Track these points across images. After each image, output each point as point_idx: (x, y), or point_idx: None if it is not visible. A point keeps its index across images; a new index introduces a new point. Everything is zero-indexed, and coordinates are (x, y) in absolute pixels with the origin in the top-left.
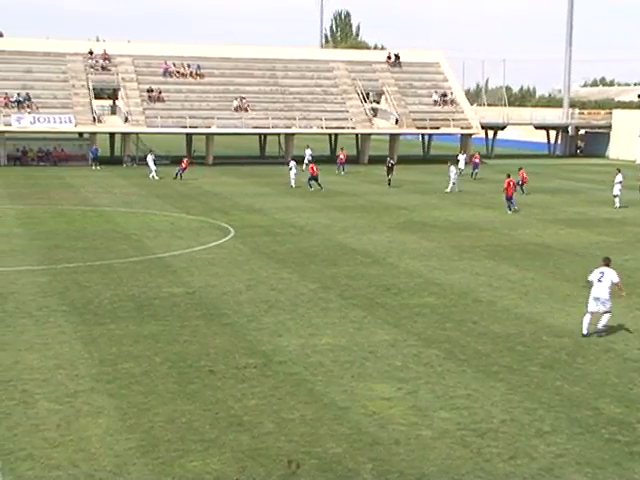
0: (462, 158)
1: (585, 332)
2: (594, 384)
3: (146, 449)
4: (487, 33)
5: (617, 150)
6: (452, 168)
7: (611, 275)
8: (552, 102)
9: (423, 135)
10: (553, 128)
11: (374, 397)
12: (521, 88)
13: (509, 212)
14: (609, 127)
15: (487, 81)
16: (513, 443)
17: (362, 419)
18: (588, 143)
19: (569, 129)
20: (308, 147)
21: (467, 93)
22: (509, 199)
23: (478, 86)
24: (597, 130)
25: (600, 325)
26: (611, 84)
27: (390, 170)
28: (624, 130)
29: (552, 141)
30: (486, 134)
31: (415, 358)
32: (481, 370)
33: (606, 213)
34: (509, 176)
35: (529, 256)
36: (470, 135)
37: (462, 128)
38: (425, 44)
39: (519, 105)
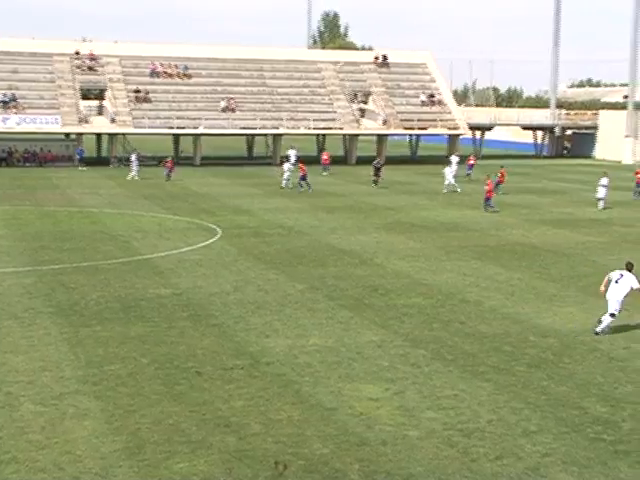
0: (454, 159)
1: (596, 331)
2: (580, 384)
3: (132, 451)
4: (475, 34)
5: (603, 151)
6: (447, 169)
7: (631, 280)
8: (539, 103)
9: (411, 136)
10: (540, 129)
11: (361, 398)
12: (509, 89)
13: (486, 212)
14: (596, 128)
15: (475, 82)
16: (500, 443)
17: (349, 420)
18: (575, 144)
19: (556, 130)
20: (292, 147)
21: (455, 94)
22: (487, 200)
23: (466, 87)
24: (584, 131)
25: (598, 329)
26: (597, 85)
27: (377, 171)
28: (610, 131)
29: (539, 142)
30: (474, 135)
31: (402, 358)
32: (468, 370)
33: (592, 213)
34: (489, 177)
35: (516, 256)
36: (457, 136)
37: (450, 129)
38: (413, 45)
39: (507, 106)
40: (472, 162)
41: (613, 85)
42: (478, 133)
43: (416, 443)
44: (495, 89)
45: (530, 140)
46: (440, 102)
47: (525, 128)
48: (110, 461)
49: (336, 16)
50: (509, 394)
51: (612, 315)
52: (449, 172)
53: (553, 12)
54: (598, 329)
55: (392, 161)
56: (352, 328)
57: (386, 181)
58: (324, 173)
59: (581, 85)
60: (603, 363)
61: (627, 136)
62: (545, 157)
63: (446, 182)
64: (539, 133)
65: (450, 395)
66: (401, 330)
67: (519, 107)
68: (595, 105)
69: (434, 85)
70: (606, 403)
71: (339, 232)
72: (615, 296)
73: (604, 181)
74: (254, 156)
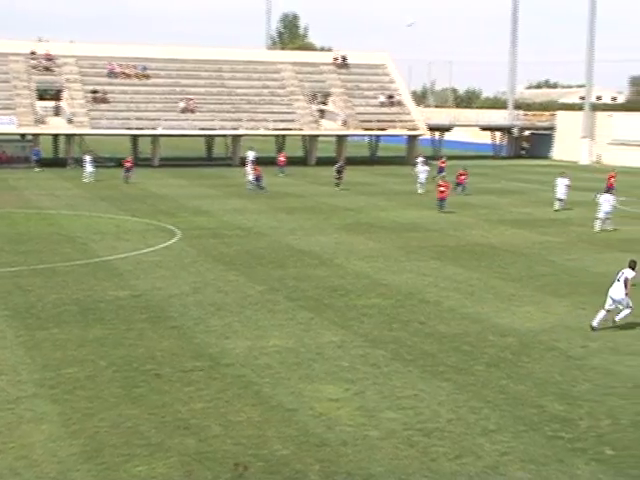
0: (420, 161)
1: (594, 324)
2: (538, 382)
3: (90, 455)
4: (434, 35)
5: (561, 151)
6: (419, 168)
7: (626, 273)
8: (497, 104)
9: (370, 136)
10: (498, 129)
11: (321, 398)
12: (467, 90)
13: (442, 213)
14: (553, 129)
15: (434, 83)
16: (459, 442)
17: (309, 420)
18: (533, 144)
19: (514, 130)
20: (251, 149)
21: (414, 95)
22: (442, 200)
23: (425, 88)
24: (541, 131)
25: (617, 318)
26: (555, 86)
27: (339, 172)
28: (567, 131)
29: (498, 142)
30: (433, 135)
31: (362, 359)
32: (427, 370)
33: (550, 214)
34: (443, 177)
35: (475, 256)
36: (417, 136)
37: (409, 129)
38: (373, 46)
39: (465, 106)
40: (443, 165)
41: (570, 86)
42: (437, 134)
43: (376, 443)
44: (453, 90)
45: (489, 141)
46: (399, 103)
47: (484, 129)
48: (67, 465)
49: (295, 17)
50: (468, 393)
51: (629, 308)
52: (422, 172)
53: (510, 13)
54: (617, 318)
55: (352, 162)
56: (312, 329)
57: (346, 182)
58: (280, 174)
59: (539, 86)
60: (561, 362)
61: (583, 137)
62: (503, 158)
63: (418, 183)
64: (497, 134)
65: (410, 395)
66: (361, 330)
67: (478, 108)
68: (552, 106)
69: (393, 86)
70: (564, 401)
71: (299, 233)
72: (618, 294)
73: (563, 181)
74: (214, 157)
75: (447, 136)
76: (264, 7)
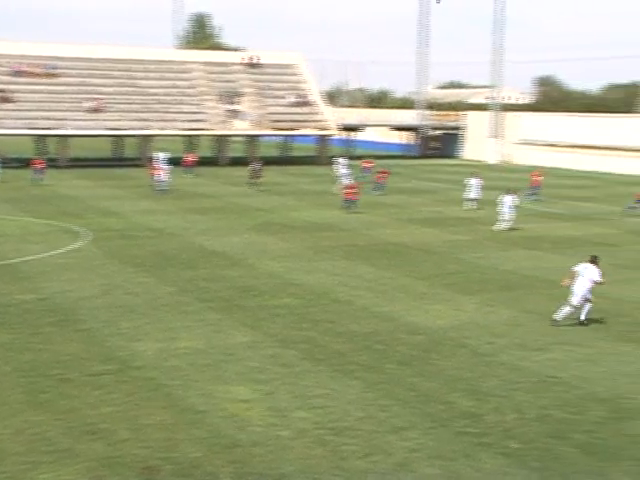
0: (342, 161)
1: (557, 318)
2: (448, 379)
3: None
4: (347, 36)
5: (470, 151)
6: (340, 169)
7: (593, 273)
8: (408, 104)
9: (282, 136)
10: (409, 129)
11: (232, 399)
12: (379, 90)
13: (350, 213)
14: (461, 128)
15: (346, 83)
16: (369, 440)
17: (221, 422)
18: (443, 144)
19: (423, 130)
20: (162, 150)
21: (326, 95)
22: (351, 201)
23: (337, 88)
24: (451, 131)
25: (582, 317)
26: (463, 86)
27: (255, 173)
28: (476, 131)
29: (408, 142)
30: (345, 135)
31: (273, 359)
32: (338, 369)
33: (460, 212)
34: (356, 179)
35: (386, 255)
36: (328, 136)
37: (320, 129)
38: (286, 46)
39: (377, 106)
40: (368, 165)
41: (478, 87)
42: (349, 134)
43: (287, 443)
44: (364, 90)
45: (400, 140)
46: (311, 103)
47: (394, 129)
48: None
49: (206, 16)
50: (379, 391)
51: (573, 306)
52: (345, 173)
53: (418, 14)
54: (582, 316)
55: (264, 162)
56: (223, 330)
57: (257, 182)
58: (189, 175)
59: (447, 87)
60: (470, 358)
61: (491, 137)
62: (414, 157)
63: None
64: (408, 133)
65: (321, 394)
66: (272, 331)
67: (389, 108)
68: (461, 106)
69: (305, 86)
70: (472, 397)
71: (210, 234)
72: (581, 290)
73: (475, 181)
74: (123, 157)
75: (359, 136)
76: (176, 6)
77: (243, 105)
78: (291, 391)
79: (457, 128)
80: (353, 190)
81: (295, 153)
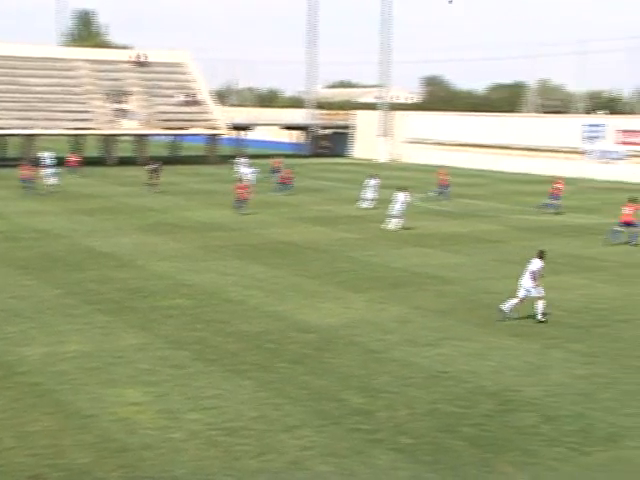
0: (243, 161)
1: (503, 308)
2: (340, 377)
3: None
4: (237, 34)
5: (361, 149)
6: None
7: (534, 265)
8: (298, 103)
9: (172, 136)
10: (299, 128)
11: (122, 403)
12: (269, 89)
13: (241, 214)
14: (351, 127)
15: (236, 82)
16: (262, 439)
17: (110, 426)
18: (333, 143)
19: (314, 129)
20: (47, 149)
21: (216, 94)
22: (241, 201)
23: (227, 87)
24: (341, 130)
25: (539, 316)
26: (353, 86)
27: (154, 174)
28: (366, 130)
29: (299, 141)
30: (235, 135)
31: (164, 361)
32: (231, 369)
33: (351, 210)
34: (264, 178)
35: (277, 254)
36: (218, 135)
37: (210, 129)
38: (176, 45)
39: (267, 106)
40: (278, 164)
41: (367, 86)
42: (240, 133)
43: (179, 445)
44: (254, 89)
45: (290, 139)
46: (200, 102)
47: (285, 128)
48: None
49: (90, 14)
50: (271, 391)
51: (540, 298)
52: (248, 173)
53: (307, 14)
54: (538, 313)
55: (162, 162)
56: (112, 332)
57: (146, 182)
58: (73, 176)
59: (337, 86)
60: (361, 355)
61: (380, 135)
62: (304, 156)
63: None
64: (298, 133)
65: (213, 395)
66: (163, 332)
67: (280, 107)
68: (351, 105)
69: (194, 85)
70: (364, 394)
71: (98, 235)
72: (528, 283)
73: (373, 182)
74: (6, 158)
75: (249, 135)
76: (57, 4)
77: (131, 104)
78: (183, 392)
79: (347, 127)
80: (244, 190)
81: (185, 153)
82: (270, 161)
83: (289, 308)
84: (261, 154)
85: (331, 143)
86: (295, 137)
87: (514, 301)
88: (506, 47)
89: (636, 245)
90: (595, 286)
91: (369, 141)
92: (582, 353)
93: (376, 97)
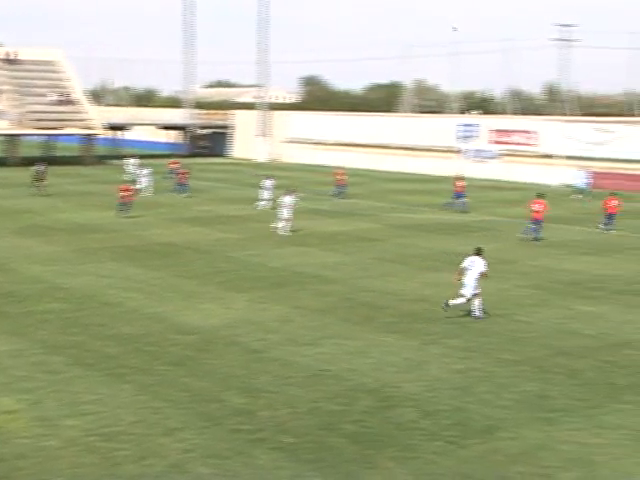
0: (132, 161)
1: (449, 302)
2: (221, 377)
3: None
4: (112, 33)
5: (240, 149)
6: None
7: (479, 265)
8: (176, 103)
9: (45, 136)
10: (177, 128)
11: None
12: (146, 88)
13: (123, 216)
14: (230, 127)
15: (111, 81)
16: (142, 444)
17: None
18: (212, 143)
19: (191, 129)
20: None
21: (91, 93)
22: (125, 203)
23: (102, 86)
24: (220, 130)
25: (475, 310)
26: (231, 85)
27: (40, 175)
28: (245, 130)
29: (177, 141)
30: (111, 135)
31: (40, 367)
32: (109, 373)
33: (231, 210)
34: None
35: (156, 256)
36: (93, 135)
37: (85, 129)
38: (49, 43)
39: (145, 105)
40: (174, 166)
41: (245, 86)
42: (116, 133)
43: (56, 453)
44: (129, 88)
45: (168, 139)
46: (74, 101)
47: (162, 128)
48: None
49: None
50: (151, 394)
51: (474, 295)
52: (143, 175)
53: (182, 13)
54: (475, 310)
55: (28, 163)
56: None
57: (20, 183)
58: None
59: (215, 85)
60: (242, 356)
61: (259, 135)
62: (183, 156)
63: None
64: (176, 133)
65: (91, 400)
66: (38, 337)
67: (158, 107)
68: (230, 105)
69: (67, 84)
70: (245, 394)
71: None
72: (471, 281)
73: (269, 183)
74: None
75: (126, 135)
76: None
77: (1, 103)
78: (59, 399)
79: (226, 127)
80: (128, 192)
81: (60, 153)
82: (166, 162)
83: (169, 309)
84: (139, 154)
85: (210, 143)
86: (173, 137)
87: (461, 300)
88: (383, 47)
89: (539, 240)
90: None
91: (248, 141)
92: (459, 348)
93: (255, 97)
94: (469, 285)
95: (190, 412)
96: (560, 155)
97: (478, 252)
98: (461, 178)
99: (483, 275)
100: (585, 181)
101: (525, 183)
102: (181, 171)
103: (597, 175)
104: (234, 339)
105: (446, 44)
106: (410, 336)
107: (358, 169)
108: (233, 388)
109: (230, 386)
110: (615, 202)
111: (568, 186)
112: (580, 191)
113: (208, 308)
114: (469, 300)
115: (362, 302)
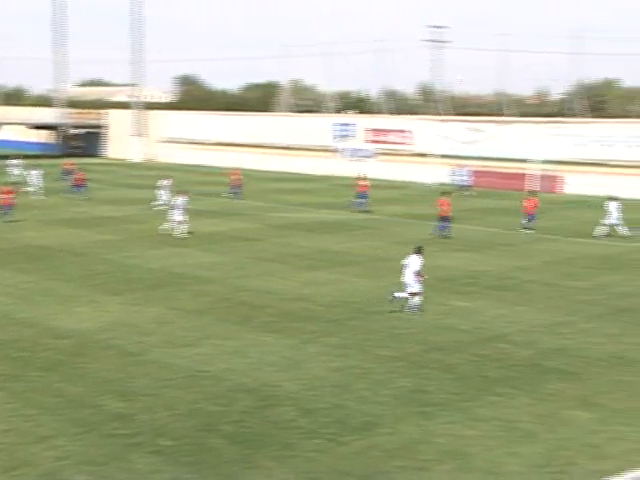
0: (16, 162)
1: (395, 295)
2: (97, 382)
3: None
4: None
5: (114, 149)
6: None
7: (414, 263)
8: (46, 101)
9: None
10: (48, 128)
11: None
12: (15, 87)
13: (4, 221)
14: (104, 127)
15: None
16: (13, 453)
17: None
18: (85, 142)
19: (64, 129)
20: None
21: None
22: (8, 206)
23: None
24: (93, 130)
25: (412, 305)
26: (105, 84)
27: None
28: (119, 129)
29: (48, 141)
30: None
31: None
32: None
33: (106, 212)
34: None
35: (28, 259)
36: None
37: None
38: None
39: (14, 104)
40: (68, 168)
41: (119, 85)
42: None
43: None
44: (1, 87)
45: (39, 139)
46: None
47: (33, 127)
48: None
49: None
50: (23, 401)
51: (412, 294)
52: (35, 176)
53: (52, 11)
54: (408, 306)
55: None
56: None
57: None
58: None
59: (88, 84)
60: (118, 359)
61: (133, 135)
62: (55, 156)
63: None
64: (48, 132)
65: None
66: None
67: (26, 106)
68: (104, 104)
69: None
70: (122, 398)
71: None
72: (409, 279)
73: (166, 182)
74: None
75: None
76: None
77: None
78: None
79: (99, 127)
80: (9, 195)
81: None
82: (62, 162)
83: (41, 314)
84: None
85: (83, 143)
86: (44, 137)
87: (403, 294)
88: (260, 47)
89: (447, 237)
90: (349, 280)
91: (123, 141)
92: (337, 346)
93: (129, 96)
94: (409, 284)
95: (64, 418)
96: (434, 154)
97: (418, 251)
98: (363, 178)
99: (418, 274)
100: (466, 179)
101: (402, 181)
102: (79, 174)
103: (474, 173)
104: (110, 342)
105: (321, 44)
106: (289, 335)
107: (237, 168)
108: (109, 392)
109: (106, 390)
110: (533, 202)
111: (442, 184)
112: (461, 188)
113: (82, 311)
114: (412, 295)
115: (240, 302)
